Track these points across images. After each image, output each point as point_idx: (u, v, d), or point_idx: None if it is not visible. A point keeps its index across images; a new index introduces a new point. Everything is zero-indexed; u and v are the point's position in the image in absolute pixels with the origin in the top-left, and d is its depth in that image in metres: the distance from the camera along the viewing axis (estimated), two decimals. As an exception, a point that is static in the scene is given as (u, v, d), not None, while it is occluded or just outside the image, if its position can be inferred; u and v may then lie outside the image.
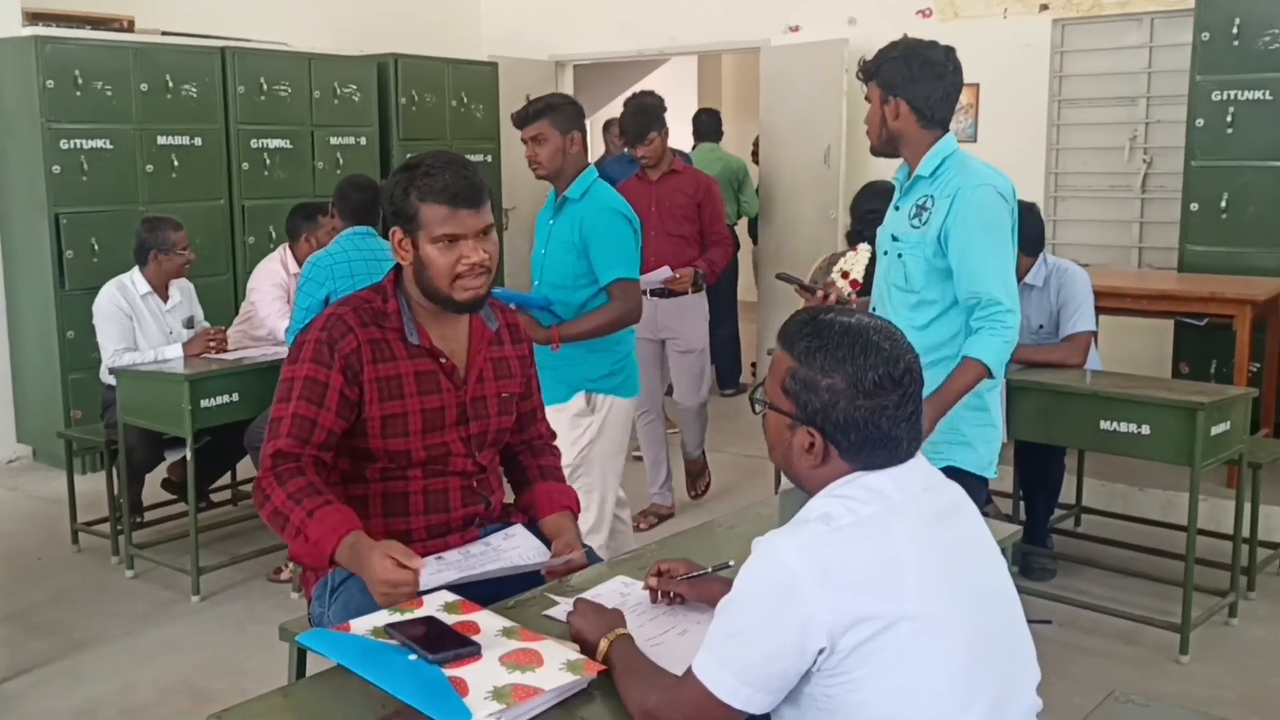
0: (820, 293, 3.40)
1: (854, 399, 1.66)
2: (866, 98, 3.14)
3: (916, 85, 3.01)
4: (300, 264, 4.90)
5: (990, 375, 2.92)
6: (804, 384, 1.69)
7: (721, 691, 1.61)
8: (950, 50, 3.09)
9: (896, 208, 3.17)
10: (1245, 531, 4.11)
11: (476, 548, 2.43)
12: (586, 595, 2.17)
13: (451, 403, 2.43)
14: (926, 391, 2.98)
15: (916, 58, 3.03)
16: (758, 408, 1.80)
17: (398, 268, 2.43)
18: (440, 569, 2.22)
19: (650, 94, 5.19)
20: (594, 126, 11.41)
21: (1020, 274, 4.22)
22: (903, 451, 1.70)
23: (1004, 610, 1.74)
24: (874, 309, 3.23)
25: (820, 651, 1.58)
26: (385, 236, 4.39)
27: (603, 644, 1.85)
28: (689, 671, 1.66)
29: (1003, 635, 1.72)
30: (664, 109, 5.17)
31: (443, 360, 2.42)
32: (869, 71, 3.09)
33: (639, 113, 5.10)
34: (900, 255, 3.08)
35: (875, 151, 3.18)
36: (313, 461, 2.30)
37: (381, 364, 2.35)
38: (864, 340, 1.68)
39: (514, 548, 2.44)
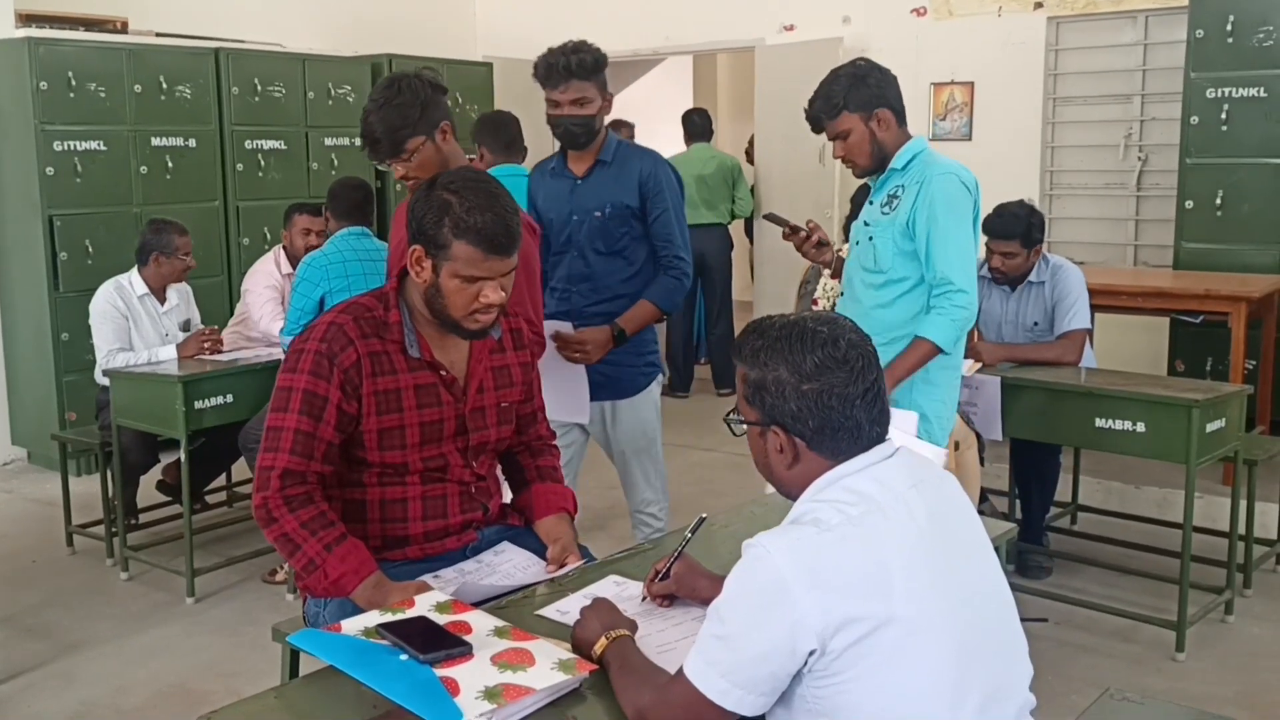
0: (803, 232, 3.55)
1: (799, 385, 1.69)
2: (837, 136, 3.27)
3: (886, 92, 3.25)
4: (293, 263, 4.91)
5: (942, 351, 3.15)
6: (757, 386, 1.74)
7: (712, 693, 1.61)
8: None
9: (871, 201, 3.38)
10: (1241, 528, 4.11)
11: (470, 565, 2.44)
12: (581, 593, 2.17)
13: (450, 415, 2.41)
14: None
15: (869, 73, 3.25)
16: (735, 429, 1.82)
17: (401, 274, 2.40)
18: (438, 587, 2.22)
19: (416, 78, 2.98)
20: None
21: (1025, 270, 4.25)
22: (865, 434, 1.71)
23: (995, 608, 1.74)
24: (842, 293, 3.49)
25: (811, 653, 1.57)
26: (380, 236, 4.43)
27: (600, 643, 1.84)
28: (680, 672, 1.66)
29: (994, 633, 1.71)
30: (432, 97, 2.97)
31: (443, 372, 2.40)
32: (835, 108, 3.24)
33: (385, 106, 2.93)
34: (871, 238, 3.30)
35: (868, 172, 3.36)
36: (318, 479, 2.30)
37: (380, 377, 2.33)
38: (800, 329, 1.73)
39: (507, 562, 2.45)
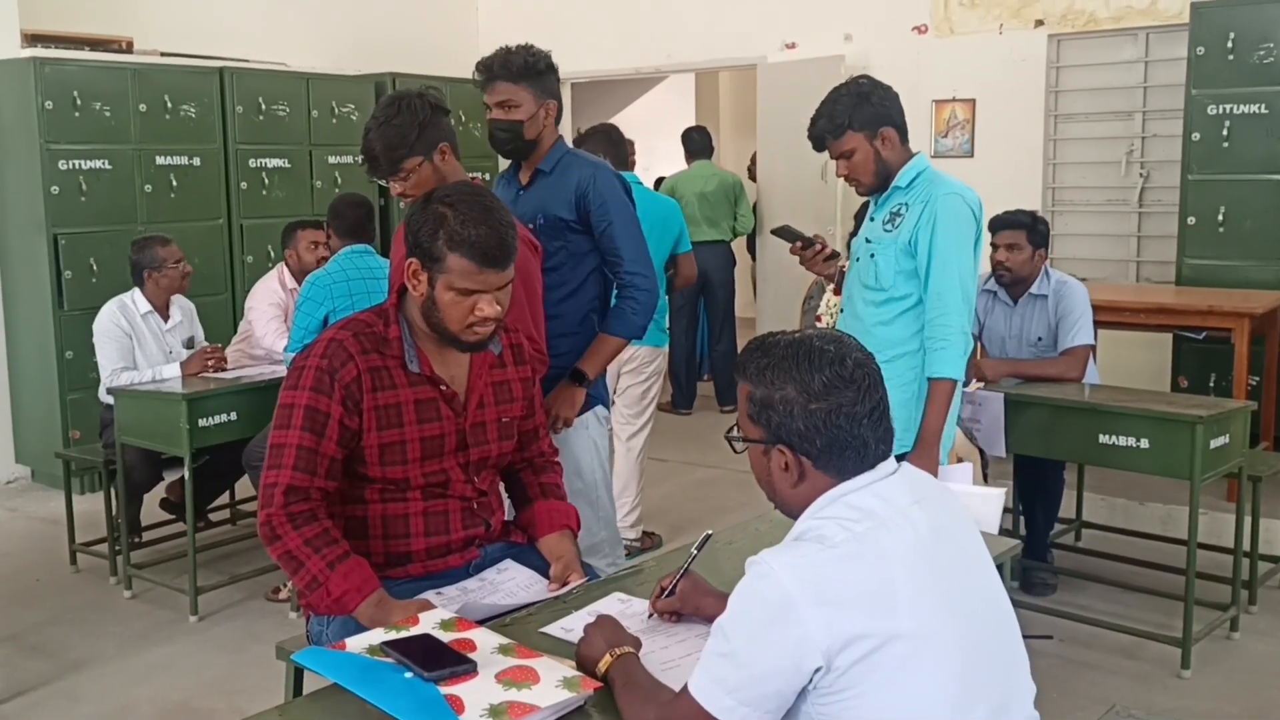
0: (816, 246, 3.58)
1: (807, 404, 1.69)
2: (841, 155, 3.28)
3: (890, 110, 3.25)
4: (300, 280, 4.92)
5: (957, 380, 3.20)
6: (763, 404, 1.73)
7: (717, 710, 1.60)
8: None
9: (871, 218, 3.38)
10: (1246, 545, 4.10)
11: (473, 583, 2.44)
12: (585, 610, 2.17)
13: (451, 430, 2.42)
14: (897, 383, 3.16)
15: (872, 91, 3.25)
16: (737, 446, 1.82)
17: (401, 290, 2.41)
18: (441, 604, 2.23)
19: (418, 97, 3.03)
20: (592, 144, 11.44)
21: (1029, 273, 4.31)
22: (872, 452, 1.71)
23: (998, 624, 1.74)
24: (842, 309, 3.49)
25: (816, 670, 1.57)
26: (383, 254, 4.45)
27: (605, 660, 1.84)
28: (684, 690, 1.65)
29: (998, 650, 1.71)
30: (431, 118, 3.01)
31: (443, 387, 2.41)
32: (839, 128, 3.24)
33: (384, 125, 2.96)
34: (873, 255, 3.30)
35: (872, 191, 3.35)
36: (321, 495, 2.31)
37: (381, 392, 2.34)
38: (807, 348, 1.72)
39: (509, 580, 2.44)
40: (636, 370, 5.01)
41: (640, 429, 5.06)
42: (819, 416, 1.68)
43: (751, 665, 1.59)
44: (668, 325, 5.17)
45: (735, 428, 1.81)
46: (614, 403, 4.99)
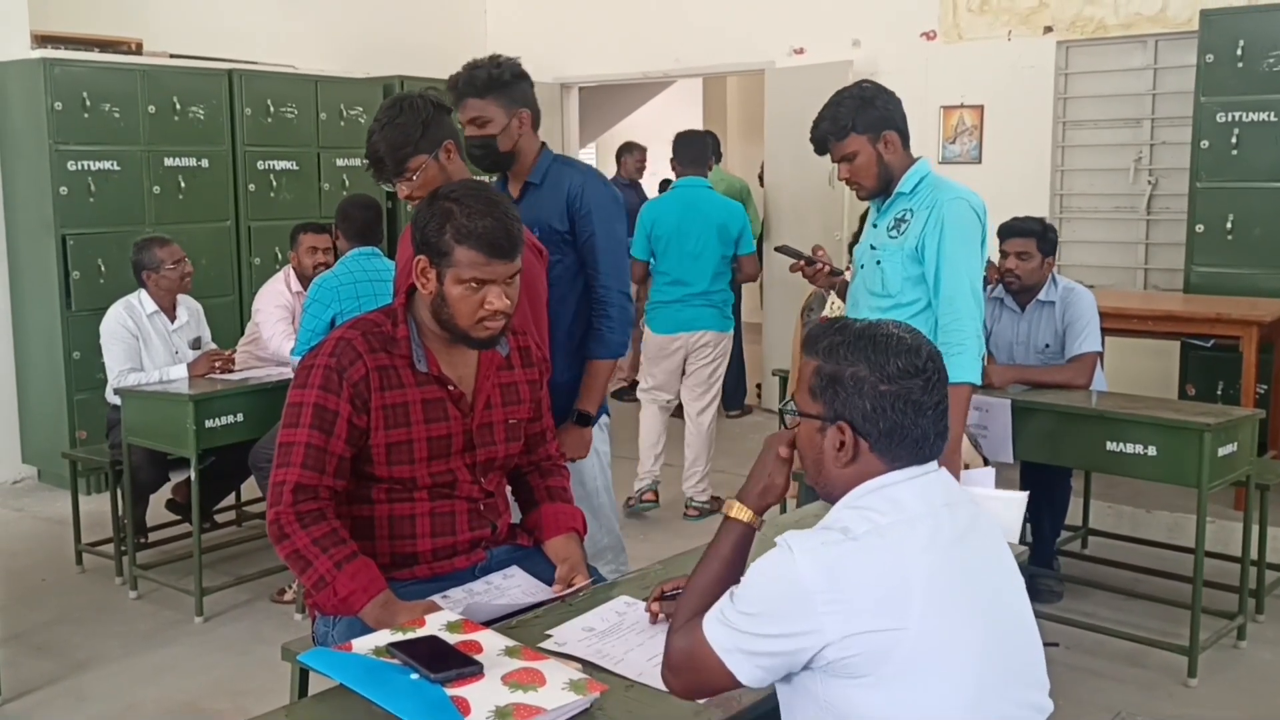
0: (818, 264, 3.59)
1: (878, 384, 1.69)
2: (843, 158, 3.28)
3: (893, 114, 3.26)
4: (303, 283, 4.92)
5: (976, 385, 3.24)
6: (829, 379, 1.72)
7: (718, 648, 1.64)
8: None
9: (874, 225, 3.38)
10: (1253, 553, 4.09)
11: (479, 586, 2.44)
12: (592, 613, 2.17)
13: (458, 430, 2.43)
14: None
15: (876, 95, 3.26)
16: (789, 420, 1.82)
17: (410, 290, 2.42)
18: (448, 607, 2.23)
19: (420, 97, 2.98)
20: (603, 150, 11.48)
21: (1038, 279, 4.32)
22: (929, 446, 1.72)
23: (1019, 639, 1.73)
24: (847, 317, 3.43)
25: (824, 647, 1.58)
26: (390, 255, 4.45)
27: (736, 507, 1.85)
28: (695, 623, 1.69)
29: (1016, 663, 1.70)
30: (434, 116, 2.96)
31: (450, 387, 2.42)
32: (842, 130, 3.25)
33: (388, 126, 2.92)
34: (879, 262, 3.30)
35: (874, 195, 3.35)
36: (330, 494, 2.31)
37: (389, 391, 2.34)
38: (884, 333, 1.74)
39: (515, 586, 2.45)
40: (702, 352, 5.58)
41: (708, 405, 5.66)
42: (888, 399, 1.69)
43: (758, 628, 1.62)
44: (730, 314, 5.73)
45: (791, 401, 1.81)
46: (681, 384, 5.70)
